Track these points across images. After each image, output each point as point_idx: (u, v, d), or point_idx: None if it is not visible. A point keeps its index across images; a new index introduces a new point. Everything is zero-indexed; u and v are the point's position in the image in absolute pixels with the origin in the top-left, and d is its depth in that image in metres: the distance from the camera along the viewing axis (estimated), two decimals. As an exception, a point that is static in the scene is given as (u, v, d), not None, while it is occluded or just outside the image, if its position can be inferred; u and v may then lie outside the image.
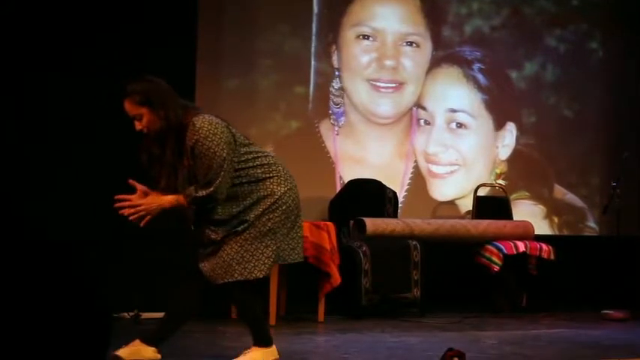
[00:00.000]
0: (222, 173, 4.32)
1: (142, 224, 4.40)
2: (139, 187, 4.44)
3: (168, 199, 4.41)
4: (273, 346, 4.57)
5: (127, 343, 4.57)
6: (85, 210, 6.47)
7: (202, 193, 4.32)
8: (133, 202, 4.39)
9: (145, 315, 6.30)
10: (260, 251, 4.41)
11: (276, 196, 4.45)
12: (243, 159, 4.44)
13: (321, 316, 6.60)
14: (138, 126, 4.38)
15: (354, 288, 6.85)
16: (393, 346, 5.56)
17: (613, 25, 8.66)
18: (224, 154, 4.32)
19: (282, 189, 4.47)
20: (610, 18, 8.67)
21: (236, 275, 4.40)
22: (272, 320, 6.23)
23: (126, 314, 6.29)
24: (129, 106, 4.37)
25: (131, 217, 4.39)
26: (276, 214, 4.45)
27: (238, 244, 4.41)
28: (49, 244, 1.66)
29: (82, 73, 6.64)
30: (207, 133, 4.30)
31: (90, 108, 6.64)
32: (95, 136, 6.66)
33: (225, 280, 4.41)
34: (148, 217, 4.39)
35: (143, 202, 4.40)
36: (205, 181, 4.32)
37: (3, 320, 1.57)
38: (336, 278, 6.52)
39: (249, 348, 4.58)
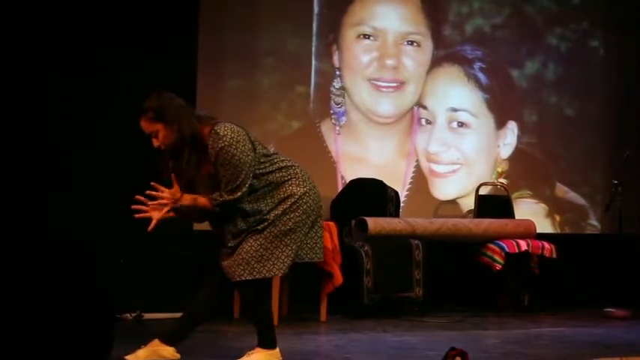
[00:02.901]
0: (247, 180, 4.35)
1: (150, 228, 4.38)
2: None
3: (188, 198, 4.40)
4: (277, 349, 4.57)
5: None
6: (88, 210, 6.48)
7: (229, 197, 4.35)
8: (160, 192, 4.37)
9: (148, 316, 6.30)
10: (280, 250, 4.45)
11: (297, 197, 4.48)
12: (262, 165, 4.47)
13: (323, 316, 6.60)
14: (155, 143, 4.39)
15: (356, 287, 6.85)
16: (395, 346, 5.56)
17: (614, 23, 8.66)
18: (248, 160, 4.36)
19: (302, 190, 4.51)
20: (611, 16, 8.67)
21: (255, 273, 4.42)
22: (274, 320, 6.23)
23: (128, 315, 6.29)
24: (144, 124, 4.38)
25: (137, 215, 4.39)
26: (297, 214, 4.48)
27: (258, 243, 4.43)
28: (52, 244, 1.66)
29: (83, 74, 6.65)
30: (232, 140, 4.33)
31: (91, 108, 6.65)
32: (97, 136, 6.67)
33: (244, 278, 4.43)
34: (166, 210, 4.36)
35: (167, 194, 4.37)
36: (231, 187, 4.35)
37: (6, 321, 1.57)
38: (338, 278, 6.52)
39: (252, 349, 4.58)
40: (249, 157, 4.37)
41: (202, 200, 4.41)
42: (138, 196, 4.39)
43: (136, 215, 4.41)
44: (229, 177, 4.35)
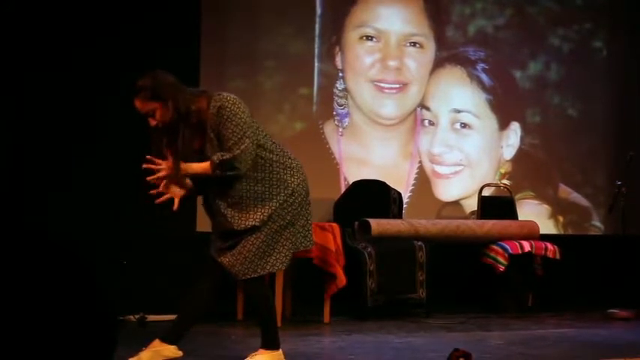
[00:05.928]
0: (246, 139, 4.34)
1: (160, 200, 4.38)
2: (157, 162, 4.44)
3: (184, 167, 4.41)
4: (280, 350, 4.57)
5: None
6: (90, 212, 6.48)
7: (228, 156, 4.32)
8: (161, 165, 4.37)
9: (151, 317, 6.30)
10: (281, 244, 4.47)
11: (290, 189, 4.49)
12: (262, 142, 4.46)
13: (326, 318, 6.60)
14: (152, 122, 4.37)
15: (359, 289, 6.85)
16: (398, 347, 5.55)
17: (617, 23, 8.65)
18: (248, 121, 4.36)
19: (296, 181, 4.53)
20: (614, 17, 8.67)
21: (259, 270, 4.44)
22: (278, 322, 6.22)
23: (132, 317, 6.28)
24: (139, 104, 4.35)
25: (158, 200, 4.38)
26: (293, 207, 4.50)
27: (259, 240, 4.44)
28: (54, 246, 1.65)
29: (84, 75, 6.65)
30: (235, 101, 4.36)
31: (92, 109, 6.65)
32: (98, 136, 6.67)
33: (248, 277, 4.44)
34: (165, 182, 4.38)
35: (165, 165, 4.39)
36: (229, 145, 4.33)
37: (7, 324, 1.56)
38: (342, 279, 6.52)
39: (255, 350, 4.57)
40: (250, 119, 4.38)
41: (200, 166, 4.38)
42: (146, 165, 4.35)
43: (157, 200, 4.40)
44: (230, 135, 4.32)
